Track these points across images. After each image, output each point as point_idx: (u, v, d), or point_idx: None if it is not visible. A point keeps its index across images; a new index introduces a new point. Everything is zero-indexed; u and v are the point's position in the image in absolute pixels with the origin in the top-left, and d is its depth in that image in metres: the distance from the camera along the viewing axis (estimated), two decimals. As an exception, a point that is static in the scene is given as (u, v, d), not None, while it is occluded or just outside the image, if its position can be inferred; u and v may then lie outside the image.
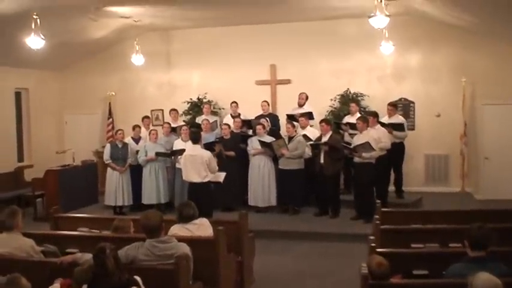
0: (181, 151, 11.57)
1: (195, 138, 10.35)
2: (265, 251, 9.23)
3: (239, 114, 13.50)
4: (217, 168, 10.30)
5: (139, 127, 13.32)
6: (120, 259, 5.00)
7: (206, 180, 10.01)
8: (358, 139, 11.18)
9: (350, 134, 12.18)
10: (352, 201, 11.68)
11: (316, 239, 10.49)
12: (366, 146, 10.87)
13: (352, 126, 11.96)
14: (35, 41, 10.70)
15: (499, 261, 4.95)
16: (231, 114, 13.69)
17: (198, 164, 9.99)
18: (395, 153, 12.00)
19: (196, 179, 9.99)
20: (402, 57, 14.06)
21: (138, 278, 5.01)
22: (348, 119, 12.72)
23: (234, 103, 13.65)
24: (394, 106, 12.66)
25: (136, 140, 13.09)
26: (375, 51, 13.51)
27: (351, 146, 11.20)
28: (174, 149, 12.30)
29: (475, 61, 13.55)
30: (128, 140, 12.96)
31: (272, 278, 8.47)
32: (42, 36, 10.65)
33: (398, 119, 12.46)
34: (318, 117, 12.91)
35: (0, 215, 6.23)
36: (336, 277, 8.38)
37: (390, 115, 12.43)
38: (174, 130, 13.13)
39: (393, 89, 14.17)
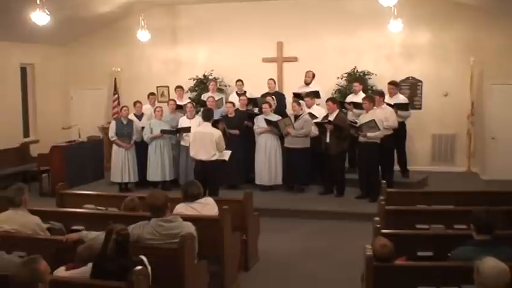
0: (187, 129, 11.58)
1: (207, 116, 10.23)
2: (270, 230, 9.23)
3: (245, 92, 13.43)
4: (224, 147, 10.24)
5: (140, 103, 13.25)
6: (130, 242, 5.03)
7: (214, 158, 9.94)
8: (364, 119, 11.11)
9: (355, 114, 12.10)
10: (357, 180, 11.65)
11: (321, 218, 10.50)
12: (371, 124, 10.81)
13: (356, 105, 11.89)
14: (40, 17, 10.64)
15: (505, 245, 4.94)
16: (236, 92, 13.63)
17: (207, 142, 9.89)
18: (398, 133, 11.91)
19: (204, 156, 9.91)
20: (411, 35, 13.93)
21: (143, 258, 5.05)
22: (352, 97, 12.64)
23: (240, 81, 13.58)
24: (394, 85, 12.51)
25: (139, 116, 13.07)
26: (383, 29, 13.36)
27: (357, 125, 11.15)
28: (179, 126, 12.28)
29: (484, 40, 13.44)
30: (131, 116, 12.90)
31: (276, 256, 8.48)
32: (48, 12, 10.58)
33: (399, 98, 12.32)
34: (324, 95, 12.83)
35: (6, 192, 6.26)
36: (341, 256, 8.40)
37: (391, 94, 12.29)
38: (179, 107, 13.07)
39: (401, 68, 14.09)
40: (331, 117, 11.33)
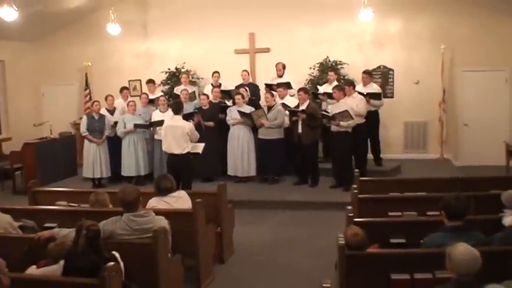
0: (160, 122, 11.48)
1: (177, 109, 10.10)
2: (245, 221, 9.28)
3: (220, 84, 13.38)
4: (198, 136, 10.17)
5: (112, 97, 13.14)
6: (101, 238, 4.98)
7: (186, 151, 9.86)
8: (335, 108, 11.14)
9: (329, 104, 12.12)
10: (331, 170, 11.68)
11: (296, 208, 10.54)
12: (345, 114, 10.85)
13: (330, 95, 11.90)
14: (8, 13, 10.47)
15: (476, 230, 5.00)
16: (212, 84, 13.55)
17: (178, 135, 9.80)
18: (371, 122, 11.98)
19: (176, 150, 9.81)
20: (381, 24, 13.97)
21: (116, 254, 5.02)
22: (326, 87, 12.65)
23: (216, 73, 13.44)
24: (368, 74, 12.60)
25: (111, 111, 12.97)
26: (354, 19, 13.39)
27: (330, 115, 11.17)
28: (152, 120, 12.21)
29: (455, 28, 13.55)
30: (103, 111, 12.78)
31: (252, 248, 8.49)
32: (15, 8, 10.41)
33: (373, 87, 12.42)
34: (297, 85, 12.80)
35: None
36: (316, 245, 8.42)
37: (365, 83, 12.39)
38: (152, 101, 13.00)
39: (372, 57, 14.13)
40: (302, 107, 11.36)
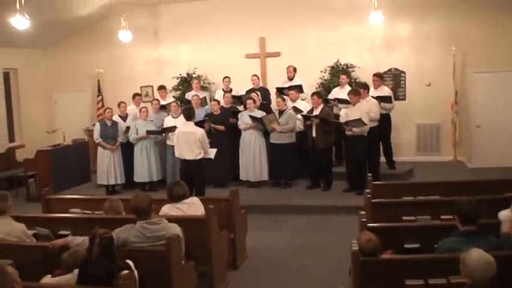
0: (172, 128, 11.51)
1: (189, 115, 10.10)
2: (258, 226, 9.25)
3: (231, 90, 13.39)
4: (208, 147, 10.14)
5: (125, 103, 13.20)
6: (115, 246, 5.00)
7: (199, 157, 9.85)
8: (351, 112, 11.11)
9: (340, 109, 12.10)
10: (344, 174, 11.65)
11: (309, 213, 10.52)
12: (359, 122, 10.84)
13: (341, 101, 11.88)
14: (20, 21, 10.54)
15: (489, 234, 4.96)
16: (222, 89, 13.56)
17: (191, 141, 9.78)
18: (382, 125, 11.92)
19: (189, 156, 9.80)
20: (392, 26, 13.94)
21: (130, 262, 5.03)
22: (338, 90, 12.62)
23: (227, 78, 13.49)
24: (379, 77, 12.51)
25: (124, 117, 13.02)
26: (365, 22, 13.33)
27: (344, 121, 11.14)
28: (164, 126, 12.24)
29: (466, 29, 13.47)
30: (115, 118, 12.84)
31: (265, 253, 8.48)
32: (28, 16, 10.47)
33: (384, 90, 12.34)
34: (308, 89, 12.84)
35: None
36: (329, 251, 8.39)
37: (376, 86, 12.32)
38: (163, 107, 13.03)
39: (383, 60, 14.11)
40: (316, 112, 11.34)
